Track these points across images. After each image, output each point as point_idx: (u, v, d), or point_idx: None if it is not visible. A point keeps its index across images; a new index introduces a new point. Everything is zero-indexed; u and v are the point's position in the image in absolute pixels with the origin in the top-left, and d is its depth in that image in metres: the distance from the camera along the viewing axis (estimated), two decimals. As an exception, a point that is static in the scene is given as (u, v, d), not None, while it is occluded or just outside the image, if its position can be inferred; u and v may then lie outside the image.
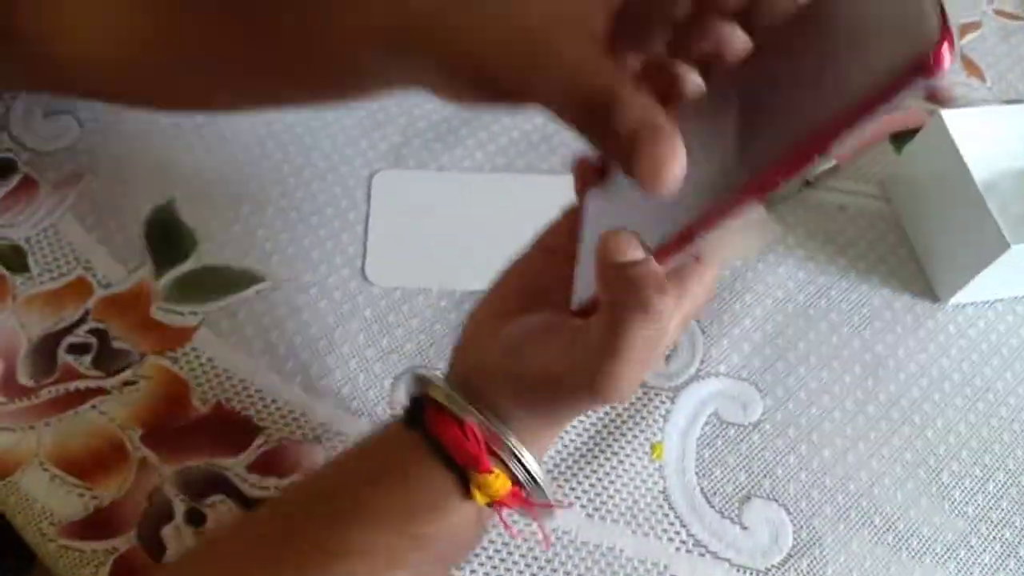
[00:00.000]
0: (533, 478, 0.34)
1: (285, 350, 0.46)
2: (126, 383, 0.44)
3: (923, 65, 0.21)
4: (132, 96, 0.44)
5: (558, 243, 0.35)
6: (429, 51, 0.32)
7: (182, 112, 0.52)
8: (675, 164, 0.26)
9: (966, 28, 0.65)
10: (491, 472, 0.33)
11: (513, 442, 0.33)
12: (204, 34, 0.39)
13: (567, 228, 0.35)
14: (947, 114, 0.50)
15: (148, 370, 0.45)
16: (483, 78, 0.31)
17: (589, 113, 0.28)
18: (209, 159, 0.52)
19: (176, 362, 0.45)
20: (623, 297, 0.28)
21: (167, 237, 0.49)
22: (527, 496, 0.35)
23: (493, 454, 0.33)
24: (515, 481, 0.34)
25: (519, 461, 0.33)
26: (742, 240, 0.29)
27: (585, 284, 0.32)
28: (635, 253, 0.29)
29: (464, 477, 0.33)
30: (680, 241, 0.28)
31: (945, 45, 0.20)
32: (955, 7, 0.55)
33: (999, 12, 0.67)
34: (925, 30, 0.21)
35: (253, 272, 0.48)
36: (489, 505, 0.34)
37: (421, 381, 0.35)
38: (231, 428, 0.43)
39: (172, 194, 0.50)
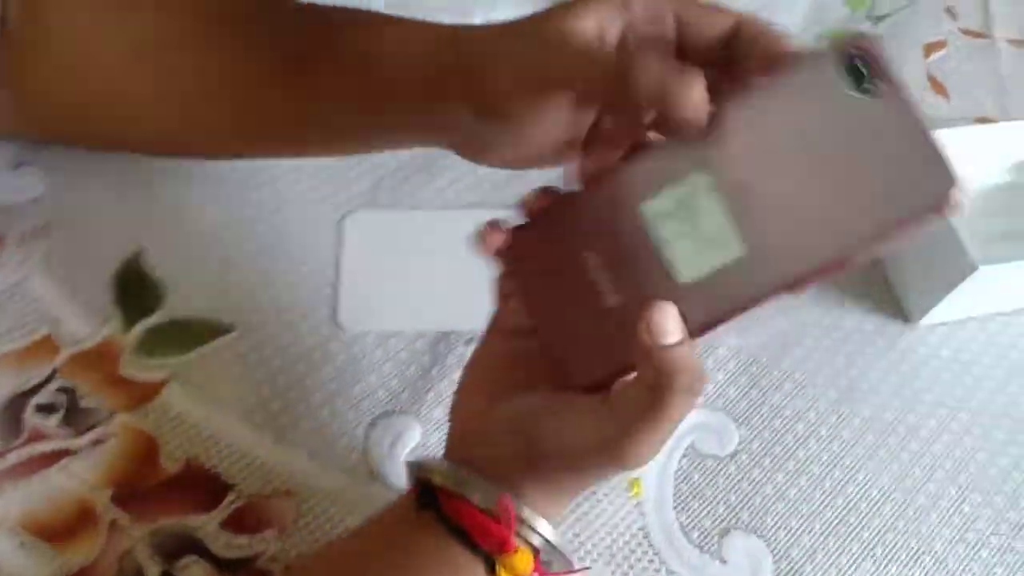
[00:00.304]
0: (556, 548, 0.33)
1: (255, 401, 0.46)
2: (95, 442, 0.44)
3: (942, 207, 0.26)
4: (175, 148, 0.48)
5: (514, 324, 0.36)
6: (465, 98, 0.35)
7: (205, 158, 0.52)
8: (703, 96, 0.28)
9: (931, 47, 0.65)
10: (516, 551, 0.32)
11: (536, 519, 0.33)
12: (247, 89, 0.42)
13: (515, 308, 0.35)
14: (910, 137, 0.50)
15: (117, 428, 0.44)
16: (508, 112, 0.34)
17: (612, 82, 0.30)
18: (177, 208, 0.52)
19: (145, 419, 0.45)
20: (669, 378, 0.29)
21: (135, 289, 0.49)
22: (547, 567, 0.34)
23: (516, 533, 0.32)
24: (536, 554, 0.33)
25: (541, 535, 0.33)
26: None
27: (587, 359, 0.32)
28: (676, 333, 0.29)
29: (487, 558, 0.32)
30: (705, 328, 0.30)
31: (958, 189, 0.26)
32: (919, 27, 0.55)
33: (965, 31, 0.67)
34: (944, 176, 0.26)
35: (222, 322, 0.48)
36: None
37: (426, 469, 0.34)
38: (201, 486, 0.43)
39: (140, 245, 0.50)
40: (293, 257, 0.51)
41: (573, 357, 0.32)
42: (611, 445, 0.30)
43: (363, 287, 0.50)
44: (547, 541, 0.33)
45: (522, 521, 0.32)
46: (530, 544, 0.33)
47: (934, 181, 0.26)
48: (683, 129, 0.28)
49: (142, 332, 0.47)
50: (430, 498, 0.33)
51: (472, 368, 0.37)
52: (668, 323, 0.29)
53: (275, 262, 0.50)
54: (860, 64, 0.27)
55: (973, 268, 0.46)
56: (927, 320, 0.51)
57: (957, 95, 0.63)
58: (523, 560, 0.33)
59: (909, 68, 0.64)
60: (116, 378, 0.46)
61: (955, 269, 0.47)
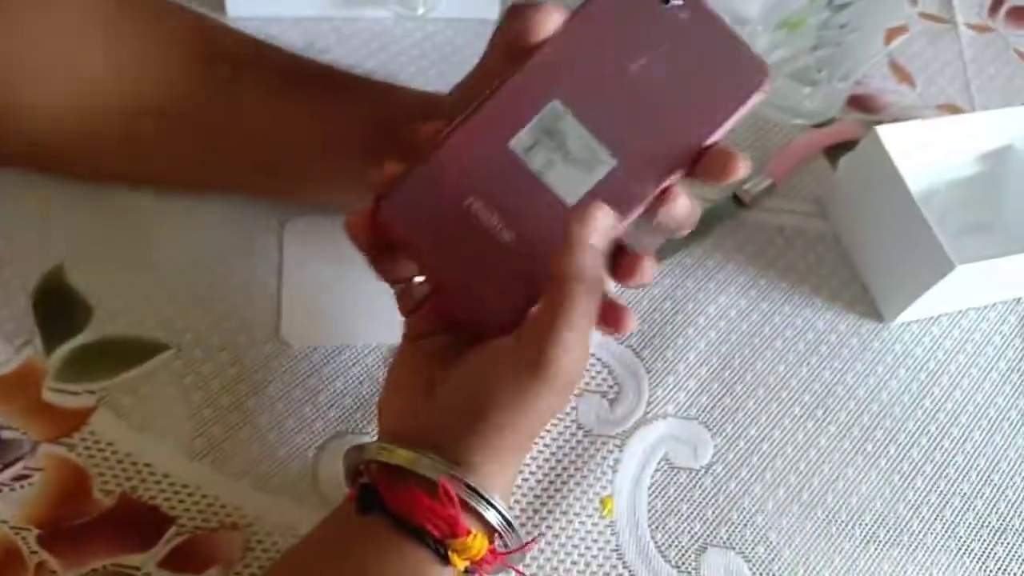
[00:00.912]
0: (509, 523, 0.32)
1: (194, 426, 0.42)
2: (18, 478, 0.40)
3: (761, 88, 0.32)
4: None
5: (427, 328, 0.36)
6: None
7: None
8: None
9: (893, 32, 0.63)
10: (469, 533, 0.30)
11: (490, 493, 0.31)
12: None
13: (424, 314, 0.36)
14: (882, 129, 0.48)
15: (42, 461, 0.40)
16: None
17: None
18: (99, 217, 0.47)
19: (72, 449, 0.41)
20: (575, 270, 0.30)
21: (58, 307, 0.44)
22: (501, 544, 0.33)
23: (468, 510, 0.31)
24: (491, 535, 0.32)
25: (496, 509, 0.31)
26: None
27: (499, 302, 0.33)
28: (602, 232, 0.31)
29: (439, 544, 0.31)
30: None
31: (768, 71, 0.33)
32: (881, 13, 0.53)
33: (924, 15, 0.66)
34: (756, 63, 0.32)
35: (155, 340, 0.44)
36: (466, 571, 0.32)
37: (366, 450, 0.32)
38: (138, 521, 0.39)
39: (60, 259, 0.46)
40: (231, 267, 0.47)
41: (485, 305, 0.33)
42: (534, 362, 0.30)
43: (308, 298, 0.46)
44: (502, 517, 0.31)
45: (474, 494, 0.31)
46: (484, 523, 0.31)
47: (749, 68, 0.32)
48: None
49: (66, 354, 0.43)
50: (371, 498, 0.31)
51: (393, 372, 0.37)
52: (602, 221, 0.30)
53: (211, 272, 0.46)
54: None
55: (951, 267, 0.44)
56: (900, 318, 0.50)
57: (922, 82, 0.62)
58: (477, 542, 0.31)
59: (873, 56, 0.62)
60: (39, 405, 0.42)
61: (933, 268, 0.45)
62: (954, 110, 0.61)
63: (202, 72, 0.42)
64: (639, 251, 0.34)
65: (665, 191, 0.32)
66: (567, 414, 0.45)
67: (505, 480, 0.33)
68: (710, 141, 0.32)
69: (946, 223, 0.51)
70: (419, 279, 0.36)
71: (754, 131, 0.57)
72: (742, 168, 0.32)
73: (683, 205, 0.33)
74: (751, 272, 0.51)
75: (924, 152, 0.51)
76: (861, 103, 0.60)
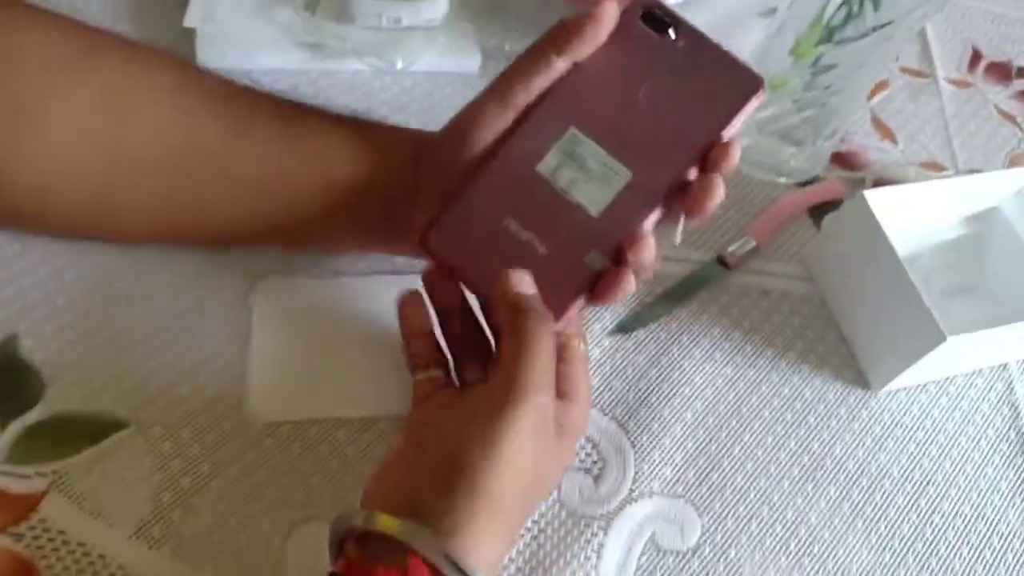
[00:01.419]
0: None
1: (151, 511, 0.39)
2: (-43, 571, 0.37)
3: (757, 95, 0.36)
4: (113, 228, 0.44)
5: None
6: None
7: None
8: None
9: (874, 87, 0.63)
10: None
11: (465, 562, 0.30)
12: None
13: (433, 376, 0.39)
14: (869, 193, 0.47)
15: (-15, 552, 0.37)
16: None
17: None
18: (56, 283, 0.45)
19: (20, 540, 0.38)
20: (525, 313, 0.34)
21: (9, 382, 0.42)
22: None
23: None
24: None
25: None
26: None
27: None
28: (527, 286, 0.35)
29: None
30: (633, 237, 0.36)
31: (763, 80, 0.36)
32: (864, 76, 0.53)
33: (904, 69, 0.65)
34: (751, 73, 0.36)
35: (112, 416, 0.41)
36: None
37: (345, 518, 0.32)
38: (89, 619, 0.37)
39: (14, 329, 0.43)
40: (194, 335, 0.44)
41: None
42: (509, 392, 0.32)
43: (276, 367, 0.44)
44: None
45: (453, 567, 0.30)
46: None
47: (746, 77, 0.36)
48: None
49: (17, 433, 0.40)
50: None
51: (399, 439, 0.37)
52: (522, 284, 0.35)
53: (173, 342, 0.44)
54: (656, 13, 0.37)
55: (942, 339, 0.43)
56: (888, 386, 0.49)
57: (903, 138, 0.61)
58: None
59: (856, 114, 0.61)
60: (-17, 490, 0.39)
61: (922, 338, 0.44)
62: (937, 167, 0.60)
63: (186, 119, 0.40)
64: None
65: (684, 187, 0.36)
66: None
67: (490, 551, 0.32)
68: (723, 138, 0.36)
69: (930, 286, 0.50)
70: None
71: (738, 190, 0.56)
72: (737, 155, 0.36)
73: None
74: (737, 337, 0.49)
75: (909, 215, 0.51)
76: (845, 160, 0.59)
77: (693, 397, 0.47)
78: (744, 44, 0.64)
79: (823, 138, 0.55)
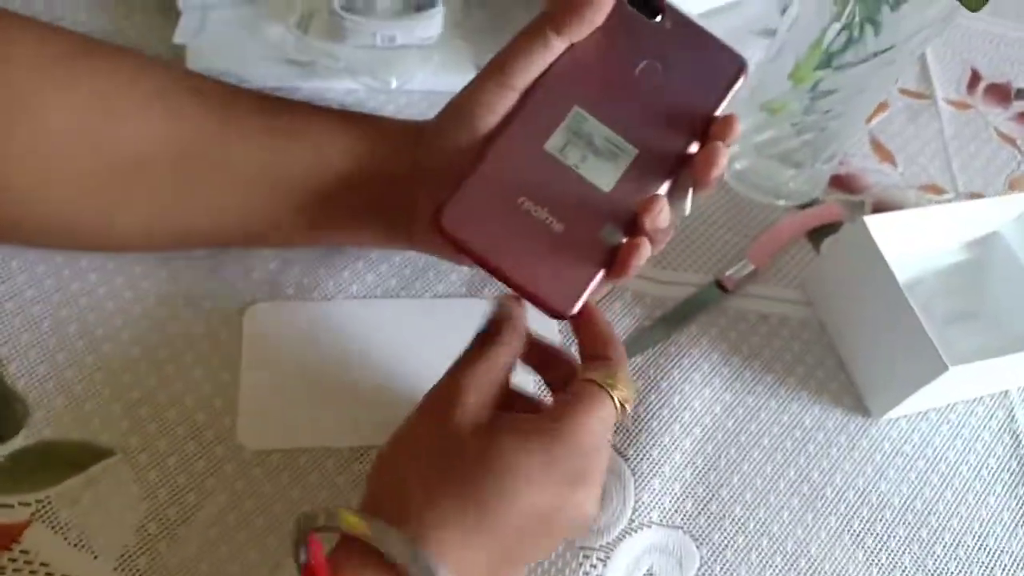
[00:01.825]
0: None
1: (137, 542, 0.38)
2: (-65, 604, 0.36)
3: (741, 76, 0.37)
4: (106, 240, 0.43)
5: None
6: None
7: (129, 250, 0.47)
8: None
9: (874, 110, 0.62)
10: None
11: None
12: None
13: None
14: (869, 219, 0.47)
15: (-36, 585, 0.36)
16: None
17: None
18: (43, 306, 0.44)
19: (2, 572, 0.37)
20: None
21: (-9, 407, 0.41)
22: None
23: None
24: None
25: None
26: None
27: (561, 286, 0.36)
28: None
29: None
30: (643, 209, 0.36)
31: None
32: (864, 100, 0.52)
33: (904, 91, 0.65)
34: (735, 56, 0.38)
35: (98, 444, 0.40)
36: None
37: (312, 517, 0.31)
38: (70, 656, 0.36)
39: (-3, 352, 0.42)
40: (182, 360, 0.43)
41: (546, 291, 0.35)
42: (555, 427, 0.33)
43: (266, 395, 0.43)
44: None
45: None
46: None
47: (730, 60, 0.38)
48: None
49: (1, 460, 0.39)
50: None
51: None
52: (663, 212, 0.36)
53: (160, 367, 0.43)
54: None
55: (944, 368, 0.43)
56: (888, 414, 0.48)
57: (903, 161, 0.61)
58: None
59: (855, 137, 0.61)
60: (-36, 520, 0.38)
61: (924, 368, 0.44)
62: (936, 190, 0.60)
63: (175, 120, 0.39)
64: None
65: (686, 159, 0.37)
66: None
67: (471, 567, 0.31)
68: (715, 115, 0.37)
69: (931, 312, 0.50)
70: None
71: (737, 213, 0.55)
72: (739, 127, 0.37)
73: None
74: (736, 363, 0.49)
75: (909, 240, 0.50)
76: (844, 183, 0.58)
77: (692, 424, 0.46)
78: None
79: (822, 161, 0.55)
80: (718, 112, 0.37)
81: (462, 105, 0.37)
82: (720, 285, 0.51)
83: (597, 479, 0.34)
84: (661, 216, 0.35)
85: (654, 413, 0.46)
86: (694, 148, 0.37)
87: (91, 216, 0.40)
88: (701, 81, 0.37)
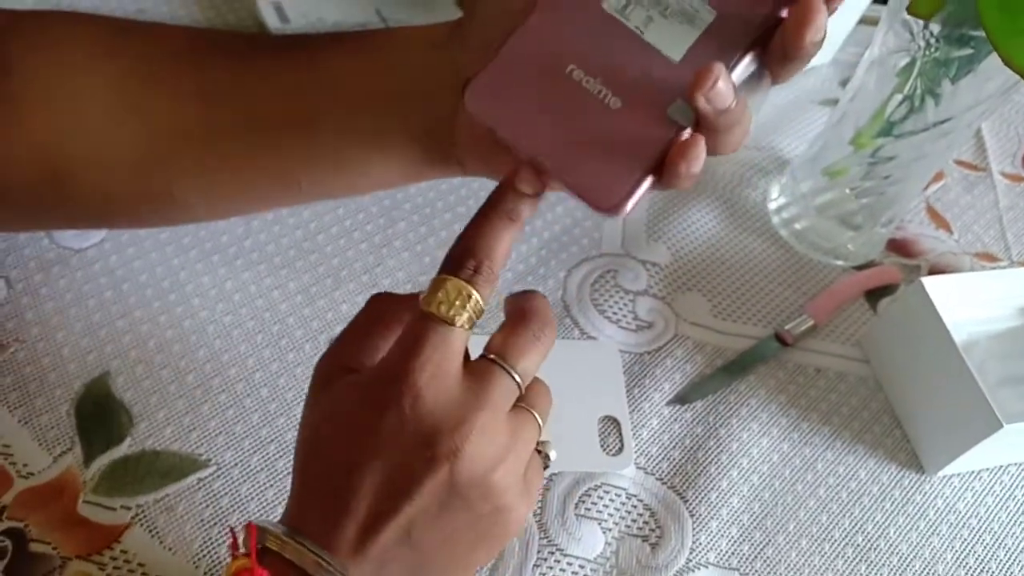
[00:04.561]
0: None
1: (227, 553, 0.41)
2: (44, 596, 0.39)
3: None
4: (135, 203, 0.41)
5: None
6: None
7: (179, 219, 0.48)
8: None
9: (930, 179, 0.65)
10: None
11: None
12: (197, 126, 0.39)
13: None
14: (927, 280, 0.49)
15: (70, 579, 0.39)
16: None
17: None
18: (150, 326, 0.48)
19: (103, 569, 0.40)
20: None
21: (99, 417, 0.44)
22: None
23: None
24: None
25: None
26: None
27: (612, 175, 0.30)
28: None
29: None
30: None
31: None
32: (923, 168, 0.55)
33: (959, 162, 0.67)
34: None
35: (195, 457, 0.44)
36: None
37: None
38: (165, 652, 0.38)
39: (107, 367, 0.46)
40: (276, 384, 0.47)
41: (600, 178, 0.29)
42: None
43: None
44: None
45: None
46: None
47: None
48: None
49: (105, 466, 0.43)
50: None
51: None
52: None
53: (255, 389, 0.46)
54: None
55: (998, 426, 0.44)
56: (942, 471, 0.49)
57: (958, 228, 0.63)
58: None
59: (912, 202, 0.63)
60: (73, 518, 0.41)
61: (978, 426, 0.45)
62: (991, 258, 0.61)
63: (202, 75, 0.39)
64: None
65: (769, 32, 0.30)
66: (606, 559, 0.44)
67: None
68: None
69: (985, 374, 0.51)
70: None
71: (796, 271, 0.58)
72: None
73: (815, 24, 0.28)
74: (793, 414, 0.51)
75: (965, 303, 0.52)
76: (900, 247, 0.60)
77: (750, 470, 0.48)
78: (805, 131, 0.67)
79: (880, 224, 0.57)
80: None
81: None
82: (780, 338, 0.53)
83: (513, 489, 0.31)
84: (717, 90, 0.28)
85: (713, 458, 0.48)
86: (784, 14, 0.29)
87: (150, 187, 0.40)
88: None
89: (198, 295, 0.49)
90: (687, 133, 0.29)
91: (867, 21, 0.69)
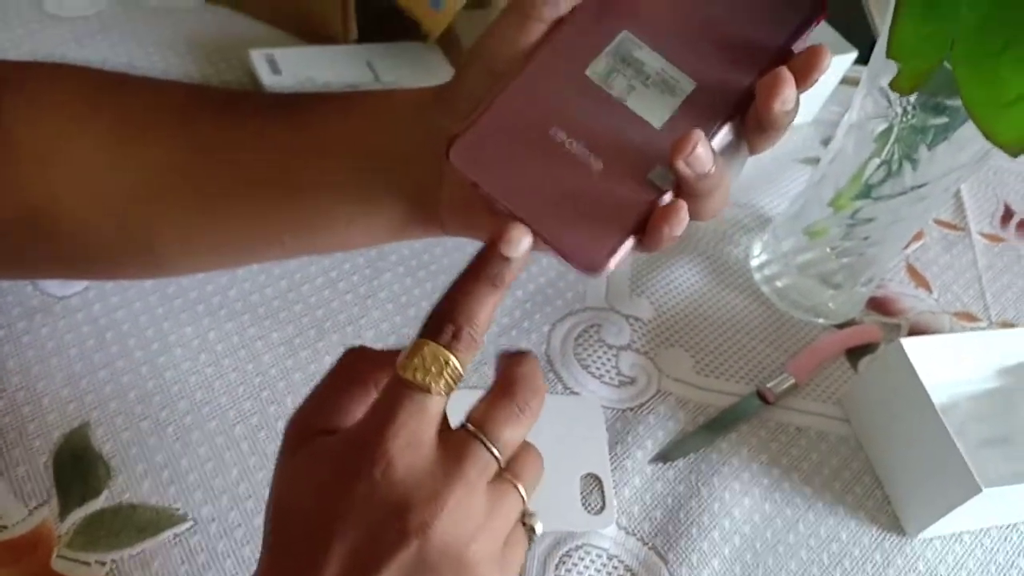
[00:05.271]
0: None
1: (204, 610, 0.41)
2: (12, 654, 0.38)
3: (823, 11, 0.32)
4: (120, 260, 0.42)
5: None
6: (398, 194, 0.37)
7: (160, 272, 0.48)
8: None
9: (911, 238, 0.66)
10: None
11: None
12: (182, 187, 0.39)
13: None
14: (906, 342, 0.49)
15: (40, 637, 0.39)
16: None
17: None
18: (132, 376, 0.47)
19: (75, 627, 0.39)
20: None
21: (77, 469, 0.44)
22: None
23: None
24: None
25: None
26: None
27: (594, 236, 0.30)
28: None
29: None
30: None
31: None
32: (902, 229, 0.56)
33: (939, 222, 0.68)
34: None
35: (172, 511, 0.43)
36: None
37: None
38: None
39: (87, 417, 0.45)
40: (256, 438, 0.47)
41: (580, 239, 0.30)
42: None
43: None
44: None
45: None
46: None
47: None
48: None
49: (81, 519, 0.42)
50: None
51: None
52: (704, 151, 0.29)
53: (235, 442, 0.46)
54: None
55: (977, 490, 0.44)
56: (923, 534, 0.49)
57: (938, 288, 0.64)
58: None
59: (892, 261, 0.64)
60: (47, 573, 0.40)
61: (958, 489, 0.45)
62: (970, 318, 0.62)
63: (192, 130, 0.39)
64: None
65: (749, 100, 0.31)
66: (587, 619, 0.43)
67: None
68: (794, 48, 0.32)
69: (966, 435, 0.51)
70: None
71: (778, 328, 0.58)
72: (827, 57, 0.30)
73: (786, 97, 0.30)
74: (775, 474, 0.51)
75: (945, 364, 0.52)
76: (881, 306, 0.61)
77: (732, 531, 0.48)
78: (786, 189, 0.68)
79: (860, 283, 0.58)
80: (799, 41, 0.32)
81: (481, 48, 0.33)
82: (761, 396, 0.54)
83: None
84: (696, 156, 0.28)
85: (694, 519, 0.48)
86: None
87: (133, 239, 0.41)
88: (774, 9, 0.32)
89: (181, 345, 0.49)
90: (667, 197, 0.30)
91: (848, 81, 0.71)
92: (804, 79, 0.30)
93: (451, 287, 0.30)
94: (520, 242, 0.29)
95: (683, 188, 0.29)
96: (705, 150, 0.29)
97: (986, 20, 0.37)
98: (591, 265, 0.30)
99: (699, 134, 0.28)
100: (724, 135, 0.31)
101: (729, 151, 0.31)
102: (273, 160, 0.38)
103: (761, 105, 0.30)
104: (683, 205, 0.29)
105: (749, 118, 0.31)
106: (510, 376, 0.31)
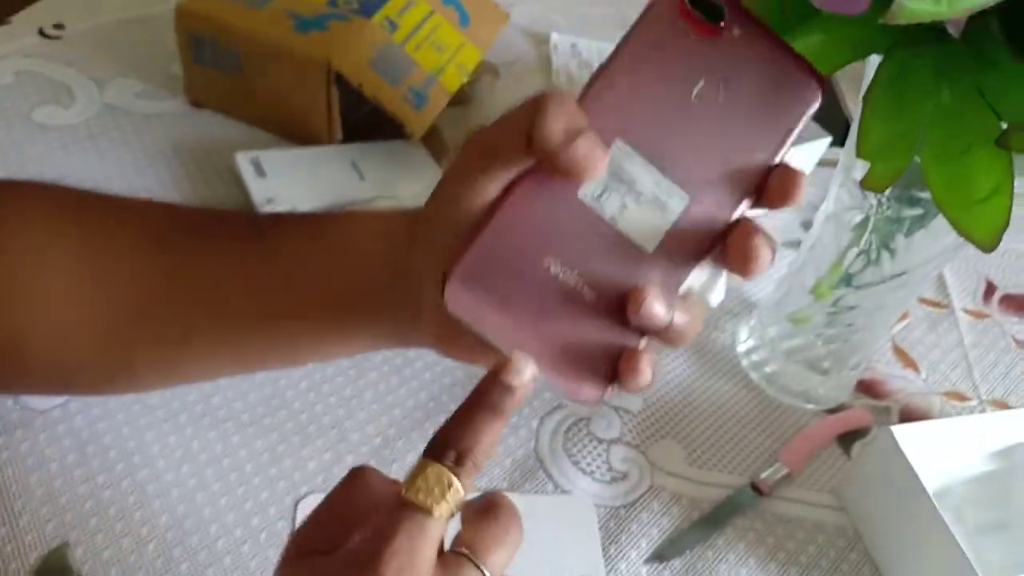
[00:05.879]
0: None
1: None
2: None
3: (818, 100, 0.30)
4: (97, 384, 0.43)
5: None
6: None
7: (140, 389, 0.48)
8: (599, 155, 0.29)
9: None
10: None
11: None
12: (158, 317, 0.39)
13: None
14: (896, 429, 0.49)
15: None
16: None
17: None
18: (112, 491, 0.46)
19: None
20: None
21: (55, 591, 0.43)
22: None
23: None
24: None
25: None
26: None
27: (591, 367, 0.30)
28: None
29: None
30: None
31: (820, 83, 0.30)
32: (885, 315, 0.56)
33: (923, 300, 0.69)
34: (812, 73, 0.30)
35: (153, 634, 0.42)
36: None
37: None
38: None
39: (66, 536, 0.44)
40: (239, 551, 0.45)
41: (577, 372, 0.30)
42: None
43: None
44: None
45: None
46: None
47: (802, 82, 0.30)
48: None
49: (57, 647, 0.41)
50: None
51: None
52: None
53: (218, 558, 0.45)
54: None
55: (979, 583, 0.43)
56: (927, 626, 0.48)
57: (925, 368, 0.63)
58: None
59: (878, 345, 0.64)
60: None
61: (959, 582, 0.44)
62: (960, 397, 0.62)
63: (167, 254, 0.39)
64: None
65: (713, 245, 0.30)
66: None
67: None
68: (774, 162, 0.30)
69: (963, 520, 0.51)
70: None
71: (768, 415, 0.58)
72: (803, 188, 0.30)
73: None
74: (773, 569, 0.50)
75: (937, 450, 0.52)
76: (870, 388, 0.61)
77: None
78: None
79: (848, 368, 0.58)
80: (782, 151, 0.30)
81: (445, 186, 0.33)
82: (755, 488, 0.53)
83: None
84: (647, 313, 0.29)
85: (692, 619, 0.47)
86: (746, 206, 0.30)
87: (112, 359, 0.40)
88: (768, 108, 0.30)
89: (163, 456, 0.48)
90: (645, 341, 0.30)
91: (826, 163, 0.72)
92: (779, 202, 0.30)
93: (455, 414, 0.30)
94: (522, 372, 0.29)
95: (645, 335, 0.30)
96: (659, 304, 0.29)
97: (951, 119, 0.37)
98: (587, 399, 0.30)
99: (650, 291, 0.29)
100: (702, 269, 0.30)
101: (714, 277, 0.31)
102: (247, 291, 0.38)
103: (733, 263, 0.30)
104: (644, 357, 0.30)
105: (725, 253, 0.30)
106: (490, 502, 0.31)
